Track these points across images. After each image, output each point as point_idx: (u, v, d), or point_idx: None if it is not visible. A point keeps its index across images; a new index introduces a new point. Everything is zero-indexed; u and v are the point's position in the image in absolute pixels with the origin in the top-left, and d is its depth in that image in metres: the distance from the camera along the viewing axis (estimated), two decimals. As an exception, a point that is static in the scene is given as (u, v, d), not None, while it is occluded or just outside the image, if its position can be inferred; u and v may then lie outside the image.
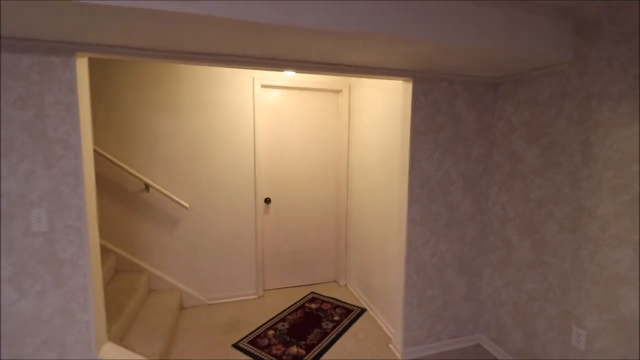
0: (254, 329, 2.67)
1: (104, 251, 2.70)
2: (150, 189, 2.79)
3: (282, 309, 2.98)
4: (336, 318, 2.84)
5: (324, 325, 2.73)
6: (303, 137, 3.23)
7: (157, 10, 1.13)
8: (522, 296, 2.13)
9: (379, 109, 2.71)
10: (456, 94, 2.21)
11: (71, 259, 1.64)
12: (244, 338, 2.55)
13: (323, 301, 3.13)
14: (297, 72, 2.00)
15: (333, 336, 2.58)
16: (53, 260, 1.62)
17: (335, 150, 3.35)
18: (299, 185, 3.29)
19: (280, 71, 2.27)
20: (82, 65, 1.65)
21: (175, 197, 2.79)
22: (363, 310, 2.95)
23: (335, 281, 3.54)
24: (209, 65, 1.83)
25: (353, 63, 1.90)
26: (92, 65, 2.56)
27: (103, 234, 2.72)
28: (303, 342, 2.50)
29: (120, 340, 2.08)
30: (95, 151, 2.51)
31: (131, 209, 2.79)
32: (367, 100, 2.93)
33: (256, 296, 3.20)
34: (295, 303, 3.09)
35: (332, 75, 2.13)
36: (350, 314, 2.90)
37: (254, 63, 1.82)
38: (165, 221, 2.87)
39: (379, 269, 2.76)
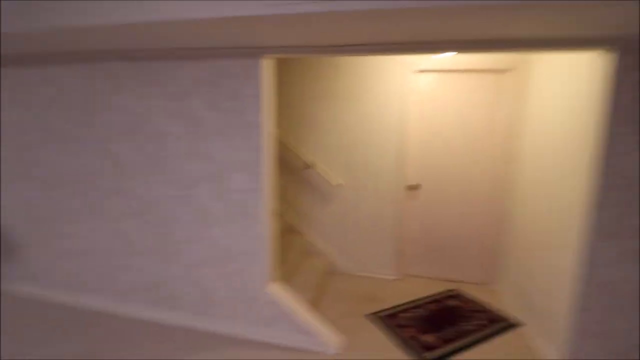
0: (388, 306, 2.80)
1: (274, 213, 3.39)
2: (312, 168, 3.28)
3: (418, 297, 2.97)
4: (478, 322, 2.62)
5: (462, 325, 2.58)
6: (458, 124, 3.02)
7: (345, 11, 1.31)
8: None
9: (556, 90, 2.22)
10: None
11: (257, 213, 2.17)
12: (378, 312, 2.72)
13: (465, 301, 2.93)
14: (458, 53, 1.89)
15: (472, 340, 2.41)
16: (245, 212, 2.19)
17: (495, 139, 2.97)
18: (450, 175, 3.12)
19: (438, 54, 2.19)
20: (267, 65, 2.09)
21: (331, 176, 3.19)
22: (512, 325, 2.59)
23: (482, 284, 3.22)
24: (370, 55, 1.98)
25: (524, 36, 1.64)
26: (280, 64, 3.18)
27: (276, 199, 3.41)
28: (437, 334, 2.45)
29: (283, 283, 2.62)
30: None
31: (296, 183, 3.37)
32: (540, 80, 2.45)
33: (392, 278, 3.30)
34: (433, 295, 3.02)
35: (499, 52, 1.90)
36: (496, 323, 2.61)
37: (412, 49, 1.84)
38: (321, 196, 3.32)
39: (543, 283, 2.34)
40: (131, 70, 2.24)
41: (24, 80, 2.51)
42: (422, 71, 2.98)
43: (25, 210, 2.72)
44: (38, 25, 1.72)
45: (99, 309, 2.66)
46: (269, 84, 2.11)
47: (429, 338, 2.41)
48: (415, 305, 2.85)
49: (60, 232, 2.66)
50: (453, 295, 3.03)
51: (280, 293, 2.27)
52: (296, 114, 3.25)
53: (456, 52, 1.84)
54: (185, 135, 2.22)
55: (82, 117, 2.42)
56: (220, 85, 2.10)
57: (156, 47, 2.04)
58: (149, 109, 2.25)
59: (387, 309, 2.77)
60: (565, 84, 2.13)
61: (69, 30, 1.70)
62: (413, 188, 3.20)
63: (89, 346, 2.23)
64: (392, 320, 2.62)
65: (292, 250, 3.01)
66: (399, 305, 2.83)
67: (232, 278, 2.31)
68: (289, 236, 3.32)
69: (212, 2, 1.36)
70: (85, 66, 2.34)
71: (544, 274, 2.31)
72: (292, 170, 3.35)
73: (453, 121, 3.03)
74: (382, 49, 1.88)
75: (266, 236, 2.19)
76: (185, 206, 2.31)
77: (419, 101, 3.06)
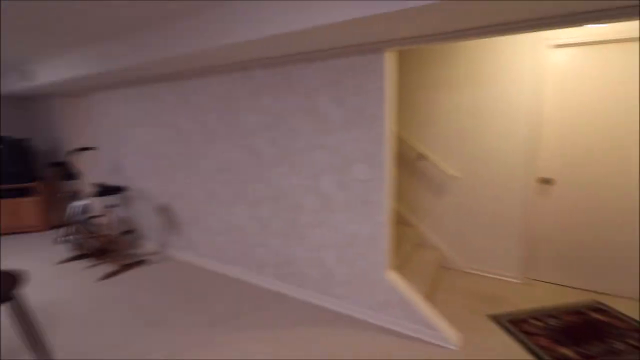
0: (514, 310, 2.58)
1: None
2: (425, 158, 3.21)
3: (552, 305, 2.64)
4: (634, 343, 2.19)
5: (612, 343, 2.20)
6: (607, 108, 2.53)
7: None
8: None
9: None
10: None
11: (377, 202, 2.27)
12: (503, 315, 2.53)
13: (615, 317, 2.48)
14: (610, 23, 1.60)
15: (627, 360, 2.04)
16: (367, 201, 2.31)
17: (671, 123, 2.38)
18: (595, 169, 2.64)
19: (586, 25, 1.88)
20: (389, 58, 2.13)
21: (446, 167, 3.07)
22: (691, 351, 2.09)
23: (636, 299, 2.66)
24: (499, 36, 1.83)
25: None
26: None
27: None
28: (578, 349, 2.16)
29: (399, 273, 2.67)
30: (388, 125, 3.18)
31: (409, 174, 3.35)
32: None
33: (517, 281, 3.00)
34: (572, 305, 2.64)
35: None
36: (663, 346, 2.15)
37: (552, 24, 1.64)
38: (435, 187, 3.23)
39: None
40: (269, 75, 2.58)
41: (185, 90, 3.15)
42: (559, 46, 2.59)
43: (187, 194, 3.43)
44: (204, 45, 2.15)
45: (239, 277, 3.18)
46: (391, 76, 2.15)
47: (567, 351, 2.14)
48: (548, 313, 2.55)
49: (211, 212, 3.26)
50: (598, 308, 2.59)
51: (397, 280, 2.33)
52: (410, 103, 3.22)
53: (608, 23, 1.55)
54: (313, 130, 2.45)
55: (229, 118, 2.90)
56: (344, 82, 2.24)
57: (290, 53, 2.30)
58: (284, 108, 2.56)
59: (512, 313, 2.55)
60: None
61: (227, 47, 2.08)
62: (546, 182, 2.83)
63: (230, 305, 2.70)
64: (519, 325, 2.41)
65: (404, 242, 3.03)
66: (527, 311, 2.57)
67: (352, 262, 2.47)
68: (401, 227, 3.34)
69: (347, 3, 1.48)
70: (232, 75, 2.80)
71: None
72: (404, 161, 3.35)
73: (601, 105, 2.55)
74: (515, 28, 1.72)
75: (385, 224, 2.27)
76: (311, 194, 2.56)
77: (557, 82, 2.67)
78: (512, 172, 2.87)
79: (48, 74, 3.42)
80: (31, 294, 2.98)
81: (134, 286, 3.08)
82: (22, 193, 4.56)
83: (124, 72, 2.90)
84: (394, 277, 2.34)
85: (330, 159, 2.42)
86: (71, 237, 3.65)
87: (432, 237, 3.33)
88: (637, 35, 2.35)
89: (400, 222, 3.42)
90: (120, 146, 4.01)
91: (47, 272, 3.42)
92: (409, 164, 3.33)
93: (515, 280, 3.01)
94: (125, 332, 2.41)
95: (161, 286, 3.07)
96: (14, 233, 4.61)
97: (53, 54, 3.07)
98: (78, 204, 3.61)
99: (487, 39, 2.77)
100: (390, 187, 2.26)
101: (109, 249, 3.65)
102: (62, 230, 4.14)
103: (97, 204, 4.51)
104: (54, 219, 4.92)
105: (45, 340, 2.35)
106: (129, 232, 3.61)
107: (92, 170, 4.61)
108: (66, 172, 3.55)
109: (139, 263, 3.54)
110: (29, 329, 1.98)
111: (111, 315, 2.62)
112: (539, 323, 2.43)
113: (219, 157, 3.06)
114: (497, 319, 2.47)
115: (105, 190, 3.29)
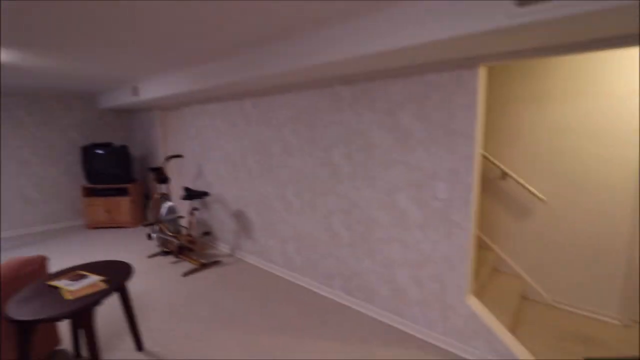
0: (614, 357, 2.25)
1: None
2: (507, 177, 3.00)
3: (667, 355, 2.26)
4: None
5: None
6: None
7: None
8: None
9: None
10: None
11: (459, 222, 2.18)
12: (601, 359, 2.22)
13: None
14: None
15: None
16: (447, 220, 2.23)
17: None
18: None
19: None
20: (483, 73, 2.07)
21: (530, 188, 2.83)
22: None
23: None
24: (613, 50, 1.67)
25: None
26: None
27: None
28: None
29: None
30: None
31: (488, 193, 3.16)
32: None
33: (616, 322, 2.62)
34: (694, 358, 2.23)
35: None
36: None
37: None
38: (517, 209, 3.00)
39: None
40: (349, 91, 2.66)
41: (267, 105, 3.38)
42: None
43: (262, 202, 3.63)
44: (291, 67, 2.30)
45: (306, 286, 3.25)
46: (483, 92, 2.08)
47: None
48: (662, 364, 2.18)
49: (284, 220, 3.41)
50: None
51: (479, 307, 2.19)
52: (491, 118, 3.06)
53: None
54: (392, 145, 2.45)
55: (307, 131, 3.04)
56: (430, 98, 2.22)
57: (372, 70, 2.36)
58: (362, 123, 2.61)
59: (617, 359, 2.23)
60: None
61: (316, 67, 2.20)
62: (659, 211, 2.46)
63: (299, 313, 2.76)
64: (625, 374, 2.09)
65: (480, 266, 2.84)
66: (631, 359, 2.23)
67: (427, 283, 2.39)
68: (479, 251, 3.14)
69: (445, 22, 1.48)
70: (312, 90, 2.94)
71: None
72: (483, 179, 3.17)
73: None
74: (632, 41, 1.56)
75: (467, 247, 2.16)
76: (385, 209, 2.55)
77: (677, 99, 2.34)
78: (614, 199, 2.55)
79: (151, 90, 3.93)
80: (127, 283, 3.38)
81: (211, 285, 3.32)
82: (119, 193, 5.23)
83: (215, 89, 3.22)
84: (475, 303, 2.20)
85: (408, 175, 2.40)
86: (159, 234, 4.07)
87: (511, 263, 3.07)
88: None
89: (478, 245, 3.22)
90: (203, 155, 4.42)
91: (139, 264, 3.85)
92: (489, 182, 3.14)
93: (614, 321, 2.63)
94: (205, 327, 2.60)
95: (235, 287, 3.26)
96: (110, 227, 5.29)
97: (157, 73, 3.53)
98: (166, 205, 4.04)
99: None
100: (475, 208, 2.16)
101: (189, 248, 4.00)
102: (152, 228, 4.64)
103: (182, 206, 4.98)
104: (143, 217, 5.55)
105: (139, 327, 2.64)
106: (207, 233, 3.92)
107: (178, 176, 5.14)
108: (161, 176, 4.01)
109: (215, 263, 3.81)
110: (130, 315, 2.25)
111: (192, 310, 2.85)
112: (651, 376, 2.09)
113: (294, 168, 3.21)
114: (596, 364, 2.18)
115: (192, 194, 3.63)
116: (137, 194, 5.38)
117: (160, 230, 4.06)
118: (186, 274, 3.52)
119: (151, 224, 4.22)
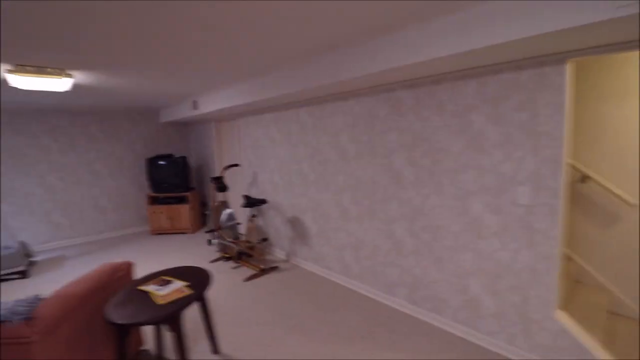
0: None
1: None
2: (588, 180, 2.75)
3: None
4: None
5: None
6: None
7: None
8: None
9: None
10: None
11: (543, 230, 2.02)
12: None
13: None
14: None
15: None
16: (529, 227, 2.08)
17: None
18: None
19: None
20: (570, 69, 1.91)
21: (618, 191, 2.56)
22: None
23: None
24: None
25: None
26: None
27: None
28: None
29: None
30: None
31: (567, 197, 2.90)
32: None
33: None
34: None
35: None
36: None
37: None
38: (602, 215, 2.73)
39: None
40: (411, 95, 2.60)
41: (322, 112, 3.41)
42: None
43: (318, 209, 3.66)
44: (347, 76, 2.29)
45: (366, 294, 3.20)
46: (570, 90, 1.93)
47: None
48: None
49: (341, 227, 3.40)
50: None
51: (570, 323, 2.01)
52: (577, 116, 2.83)
53: None
54: (462, 149, 2.35)
55: (365, 137, 3.02)
56: (507, 98, 2.10)
57: (437, 73, 2.28)
58: (426, 127, 2.54)
59: None
60: None
61: (378, 73, 2.17)
62: None
63: (362, 321, 2.72)
64: None
65: (562, 276, 2.61)
66: None
67: (505, 294, 2.24)
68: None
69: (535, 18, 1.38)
70: (370, 96, 2.92)
71: None
72: (556, 184, 2.93)
73: None
74: None
75: (555, 256, 2.00)
76: (456, 216, 2.44)
77: None
78: None
79: (210, 104, 4.15)
80: (193, 286, 3.56)
81: (271, 290, 3.39)
82: (180, 201, 5.55)
83: (272, 100, 3.31)
84: (565, 319, 2.02)
85: (481, 180, 2.28)
86: (219, 240, 4.25)
87: (594, 273, 2.80)
88: None
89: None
90: (258, 163, 4.56)
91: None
92: (568, 186, 2.89)
93: None
94: (272, 332, 2.65)
95: (294, 293, 3.30)
96: (171, 233, 5.63)
97: (216, 87, 3.72)
98: (226, 212, 4.21)
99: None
100: (563, 215, 1.99)
101: (248, 254, 4.13)
102: (212, 234, 4.86)
103: (241, 213, 5.17)
104: (200, 224, 5.85)
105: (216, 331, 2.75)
106: (264, 240, 4.02)
107: (233, 184, 5.35)
108: (220, 185, 4.19)
109: (273, 269, 3.89)
110: (208, 319, 2.35)
111: (256, 315, 2.92)
112: None
113: (352, 174, 3.19)
114: None
115: (252, 202, 3.75)
116: (195, 202, 5.68)
117: (220, 236, 4.23)
118: (247, 279, 3.63)
119: (212, 231, 4.41)
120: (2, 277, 3.97)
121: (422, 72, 2.25)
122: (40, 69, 2.63)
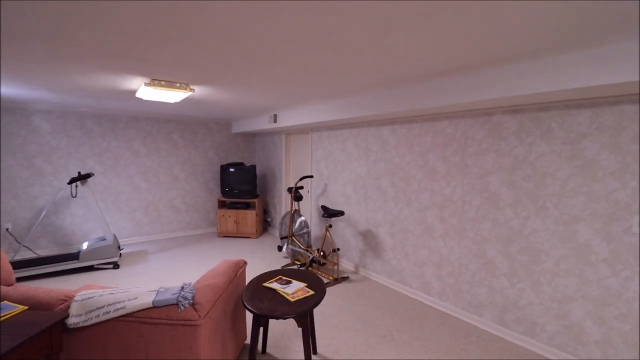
0: None
1: None
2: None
3: None
4: None
5: None
6: None
7: None
8: None
9: None
10: None
11: (667, 261, 2.03)
12: None
13: None
14: None
15: None
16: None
17: None
18: None
19: None
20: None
21: None
22: None
23: None
24: None
25: None
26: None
27: None
28: None
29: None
30: None
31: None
32: None
33: None
34: None
35: None
36: None
37: None
38: None
39: None
40: (514, 120, 2.70)
41: (408, 131, 3.57)
42: None
43: (396, 224, 3.78)
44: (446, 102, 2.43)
45: (447, 311, 3.25)
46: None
47: None
48: None
49: (422, 244, 3.50)
50: None
51: (694, 359, 1.97)
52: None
53: None
54: (570, 175, 2.41)
55: (456, 157, 3.13)
56: (625, 129, 2.16)
57: (543, 101, 2.37)
58: (531, 152, 2.62)
59: None
60: None
61: (481, 101, 2.31)
62: None
63: (452, 339, 2.77)
64: None
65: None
66: None
67: (612, 322, 2.23)
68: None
69: None
70: (466, 120, 3.04)
71: None
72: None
73: None
74: None
75: (678, 289, 1.99)
76: (558, 241, 2.48)
77: None
78: None
79: (289, 118, 4.44)
80: (274, 289, 3.77)
81: (349, 299, 3.52)
82: (246, 206, 5.89)
83: (355, 118, 3.52)
84: (688, 353, 1.99)
85: (591, 206, 2.31)
86: (292, 247, 4.48)
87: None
88: None
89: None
90: (329, 175, 4.78)
91: (275, 273, 4.26)
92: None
93: None
94: (364, 340, 2.77)
95: (373, 304, 3.41)
96: (237, 237, 5.95)
97: (300, 104, 4.00)
98: (299, 220, 4.43)
99: None
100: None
101: (320, 262, 4.31)
102: (282, 241, 5.12)
103: (315, 222, 5.39)
104: (262, 230, 6.14)
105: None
106: (336, 250, 4.19)
107: (307, 194, 5.60)
108: (297, 195, 4.45)
109: (344, 279, 4.04)
110: (311, 318, 2.51)
111: (343, 321, 3.06)
112: None
113: (440, 192, 3.30)
114: None
115: (330, 213, 3.94)
116: (260, 208, 5.99)
117: (293, 243, 4.46)
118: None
119: (285, 237, 4.65)
120: (99, 267, 4.41)
121: (530, 100, 2.35)
122: (170, 83, 3.01)
